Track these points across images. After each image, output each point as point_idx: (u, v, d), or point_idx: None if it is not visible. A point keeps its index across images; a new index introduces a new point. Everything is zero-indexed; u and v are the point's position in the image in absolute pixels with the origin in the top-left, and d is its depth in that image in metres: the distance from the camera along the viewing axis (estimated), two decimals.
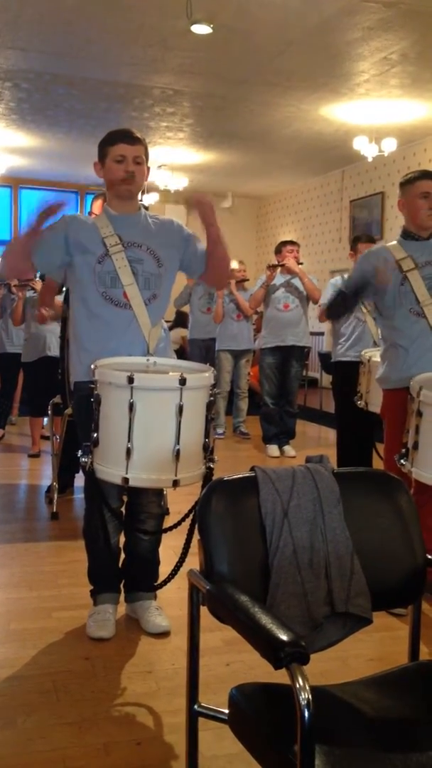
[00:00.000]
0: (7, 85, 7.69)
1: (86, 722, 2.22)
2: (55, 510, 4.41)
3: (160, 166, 10.57)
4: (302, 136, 9.27)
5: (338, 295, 3.44)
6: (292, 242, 6.68)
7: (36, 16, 5.93)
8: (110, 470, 2.47)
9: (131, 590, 2.98)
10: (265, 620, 1.33)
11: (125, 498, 2.95)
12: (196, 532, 2.52)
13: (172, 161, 10.56)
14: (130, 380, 2.37)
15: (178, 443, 2.42)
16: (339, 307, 3.49)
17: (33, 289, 6.01)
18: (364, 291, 3.21)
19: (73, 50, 6.66)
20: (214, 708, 1.64)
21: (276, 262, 6.46)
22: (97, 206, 4.13)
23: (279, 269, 6.42)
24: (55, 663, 2.60)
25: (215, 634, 2.58)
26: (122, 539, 2.99)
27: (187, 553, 2.66)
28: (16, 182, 12.24)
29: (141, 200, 3.09)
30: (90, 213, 4.27)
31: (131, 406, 2.38)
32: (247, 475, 1.75)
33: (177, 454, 2.43)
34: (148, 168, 2.87)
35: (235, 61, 6.81)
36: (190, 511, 2.69)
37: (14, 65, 7.12)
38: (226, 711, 1.54)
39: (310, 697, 1.19)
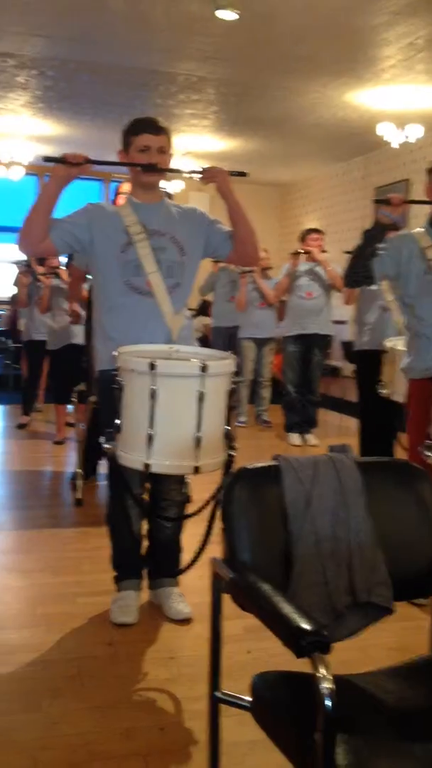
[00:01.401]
0: (33, 73, 7.70)
1: (110, 707, 2.25)
2: (79, 496, 4.44)
3: (184, 154, 10.54)
4: (326, 123, 9.19)
5: (351, 257, 3.31)
6: (316, 230, 6.65)
7: (62, 3, 5.92)
8: (132, 456, 2.49)
9: (154, 577, 3.01)
10: (288, 609, 1.34)
11: (148, 485, 2.97)
12: (217, 519, 2.55)
13: (197, 149, 10.52)
14: (152, 367, 2.38)
15: (199, 430, 2.43)
16: (354, 265, 3.31)
17: (59, 276, 6.04)
18: (376, 238, 3.15)
19: (99, 37, 6.64)
20: (236, 695, 1.65)
21: (300, 250, 6.43)
22: (126, 188, 4.13)
23: (302, 256, 6.39)
24: (80, 648, 2.63)
25: (236, 621, 2.57)
26: (146, 526, 3.01)
27: (207, 540, 2.68)
28: (42, 171, 12.27)
29: (164, 189, 3.08)
30: (116, 195, 4.27)
31: (153, 393, 2.39)
32: (270, 463, 1.76)
33: (198, 441, 2.43)
34: (171, 155, 2.87)
35: (260, 47, 6.76)
36: (211, 498, 2.70)
37: (40, 53, 7.12)
38: (248, 698, 1.55)
39: (332, 686, 1.20)
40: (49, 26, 6.44)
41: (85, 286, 4.87)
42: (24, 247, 2.83)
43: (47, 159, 2.71)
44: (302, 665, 1.31)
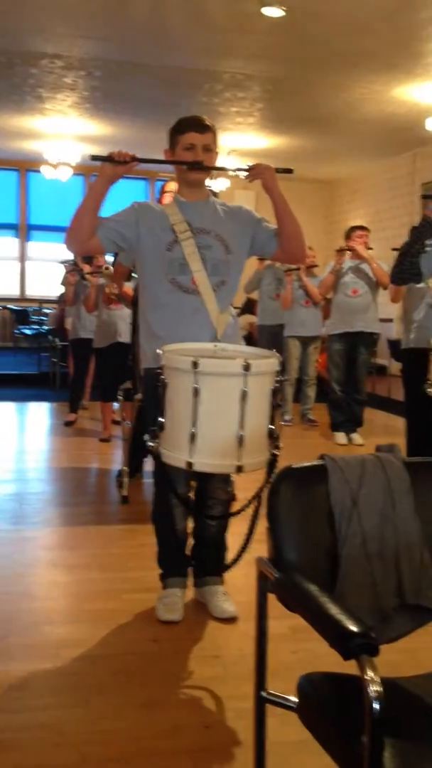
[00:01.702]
0: (81, 74, 7.78)
1: (155, 704, 2.26)
2: (125, 494, 4.47)
3: (229, 152, 10.54)
4: (373, 119, 9.10)
5: (399, 254, 3.29)
6: (361, 227, 6.58)
7: (108, 4, 5.97)
8: (175, 455, 2.49)
9: (199, 575, 3.02)
10: (335, 610, 1.32)
11: (194, 483, 2.98)
12: (260, 518, 2.53)
13: (242, 146, 10.52)
14: (195, 365, 2.38)
15: (242, 429, 2.41)
16: (401, 262, 3.29)
17: (105, 275, 6.09)
18: (424, 235, 3.11)
19: (145, 38, 6.68)
20: (282, 695, 1.65)
21: (344, 247, 6.38)
22: (171, 186, 4.14)
23: (347, 253, 6.34)
24: (126, 644, 2.65)
25: (282, 621, 2.55)
26: (191, 524, 3.01)
27: (251, 539, 2.67)
28: (89, 171, 12.41)
29: (209, 187, 3.09)
30: (162, 194, 4.29)
31: (195, 391, 2.38)
32: (316, 463, 1.74)
33: (241, 440, 2.42)
34: (217, 153, 2.87)
35: (307, 44, 6.72)
36: (254, 497, 2.69)
37: (87, 54, 7.19)
38: (293, 698, 1.54)
39: (380, 689, 1.19)
40: (96, 27, 6.50)
41: (131, 284, 4.90)
42: (71, 246, 2.86)
43: (94, 158, 2.73)
44: (349, 667, 1.30)
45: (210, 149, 2.78)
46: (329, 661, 1.43)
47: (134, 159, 2.67)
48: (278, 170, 2.77)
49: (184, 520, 2.96)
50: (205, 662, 2.53)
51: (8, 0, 5.89)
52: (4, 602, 2.98)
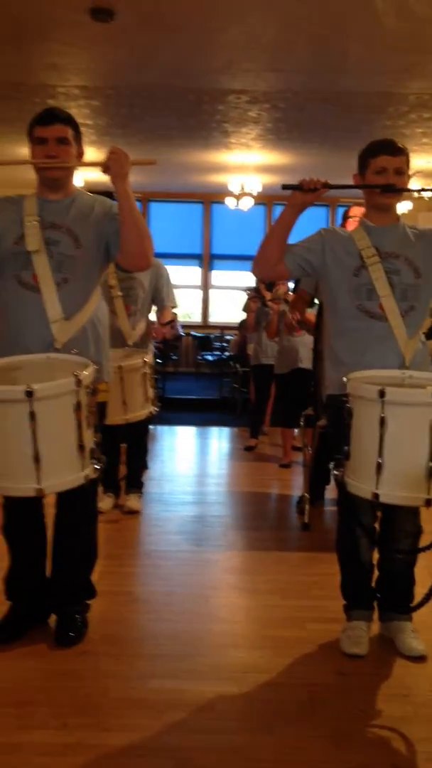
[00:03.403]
0: (265, 107, 7.95)
1: (342, 738, 2.21)
2: (306, 521, 4.44)
3: (415, 173, 10.32)
4: None
5: None
6: None
7: (292, 36, 6.06)
8: (361, 485, 2.45)
9: (385, 609, 2.92)
10: None
11: (380, 514, 2.90)
12: None
13: (428, 167, 10.26)
14: (381, 394, 2.33)
15: None
16: None
17: (286, 302, 6.14)
18: None
19: (329, 66, 6.71)
20: None
21: None
22: (355, 211, 4.13)
23: None
24: (310, 674, 2.62)
25: None
26: (377, 556, 2.93)
27: None
28: (270, 200, 12.62)
29: None
30: (345, 220, 4.27)
31: (382, 421, 2.34)
32: None
33: (430, 473, 2.33)
34: (409, 177, 2.82)
35: None
36: None
37: (272, 87, 7.34)
38: None
39: None
40: (281, 60, 6.62)
41: (312, 311, 4.90)
42: (258, 271, 2.94)
43: (285, 186, 2.76)
44: None
45: (402, 172, 2.74)
46: None
47: (325, 185, 2.67)
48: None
49: (369, 552, 2.89)
50: (394, 700, 2.44)
51: (197, 40, 6.15)
52: (191, 622, 3.05)
